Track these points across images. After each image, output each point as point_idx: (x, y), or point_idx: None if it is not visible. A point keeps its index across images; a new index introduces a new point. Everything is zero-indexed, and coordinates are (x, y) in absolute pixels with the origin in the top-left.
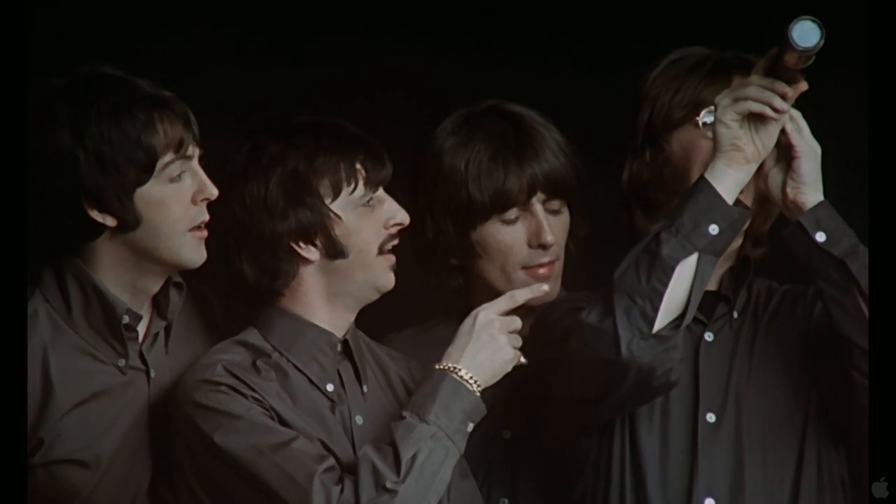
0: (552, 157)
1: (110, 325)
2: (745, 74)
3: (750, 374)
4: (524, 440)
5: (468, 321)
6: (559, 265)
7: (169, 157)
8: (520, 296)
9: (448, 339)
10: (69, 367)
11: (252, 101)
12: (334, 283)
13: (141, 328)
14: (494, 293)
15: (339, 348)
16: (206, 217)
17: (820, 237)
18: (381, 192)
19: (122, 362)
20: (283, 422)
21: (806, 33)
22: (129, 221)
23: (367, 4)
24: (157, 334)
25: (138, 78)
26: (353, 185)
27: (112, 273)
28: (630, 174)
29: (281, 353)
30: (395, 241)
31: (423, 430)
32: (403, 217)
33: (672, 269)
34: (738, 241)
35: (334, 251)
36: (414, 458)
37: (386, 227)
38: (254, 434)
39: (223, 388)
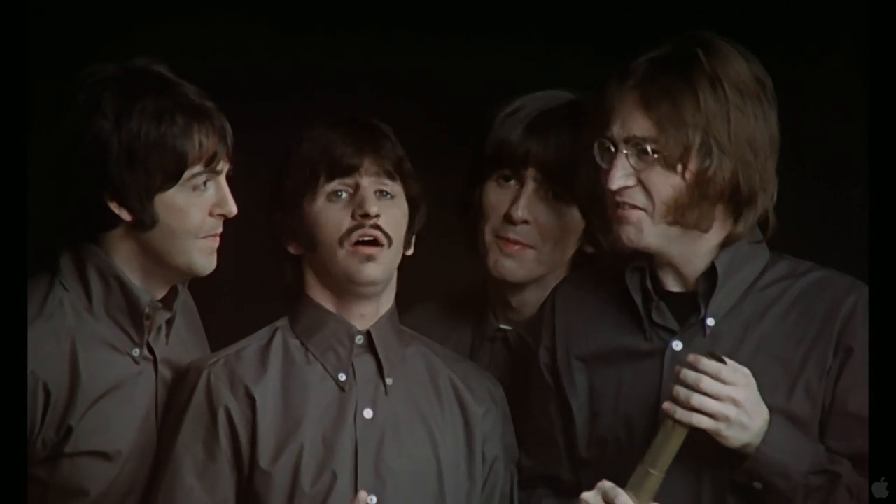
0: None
1: (133, 314)
2: None
3: None
4: None
5: None
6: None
7: (198, 168)
8: None
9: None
10: (93, 358)
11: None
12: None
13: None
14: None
15: (360, 340)
16: (220, 230)
17: (757, 486)
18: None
19: (136, 352)
20: (253, 431)
21: None
22: (146, 221)
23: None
24: (160, 326)
25: (186, 83)
26: None
27: (127, 266)
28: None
29: (302, 343)
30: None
31: None
32: (370, 207)
33: None
34: (712, 240)
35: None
36: None
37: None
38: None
39: (200, 388)
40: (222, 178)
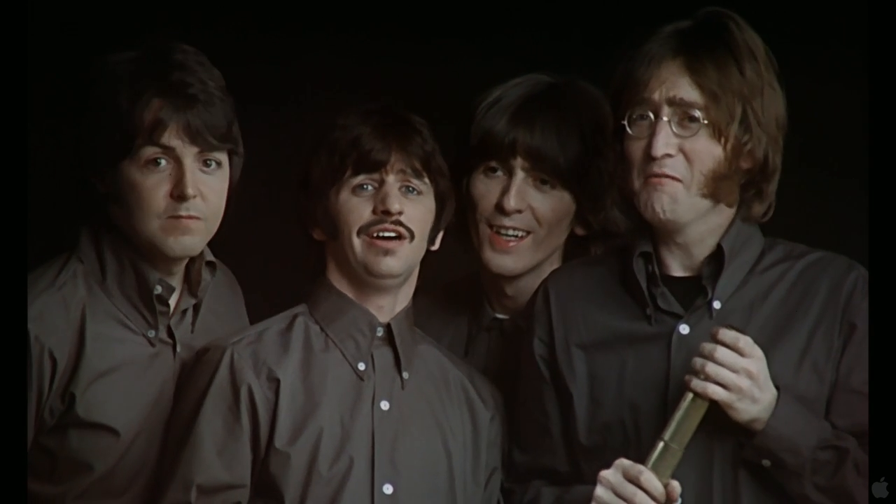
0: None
1: (143, 294)
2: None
3: None
4: None
5: None
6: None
7: (143, 140)
8: None
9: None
10: (103, 332)
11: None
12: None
13: (171, 302)
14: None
15: (380, 332)
16: (186, 213)
17: (765, 463)
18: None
19: (151, 333)
20: (274, 412)
21: None
22: (110, 192)
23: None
24: (185, 311)
25: (200, 67)
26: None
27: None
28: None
29: (322, 328)
30: (384, 227)
31: None
32: (392, 204)
33: None
34: (723, 220)
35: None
36: None
37: (375, 213)
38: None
39: (224, 366)
40: (186, 161)
